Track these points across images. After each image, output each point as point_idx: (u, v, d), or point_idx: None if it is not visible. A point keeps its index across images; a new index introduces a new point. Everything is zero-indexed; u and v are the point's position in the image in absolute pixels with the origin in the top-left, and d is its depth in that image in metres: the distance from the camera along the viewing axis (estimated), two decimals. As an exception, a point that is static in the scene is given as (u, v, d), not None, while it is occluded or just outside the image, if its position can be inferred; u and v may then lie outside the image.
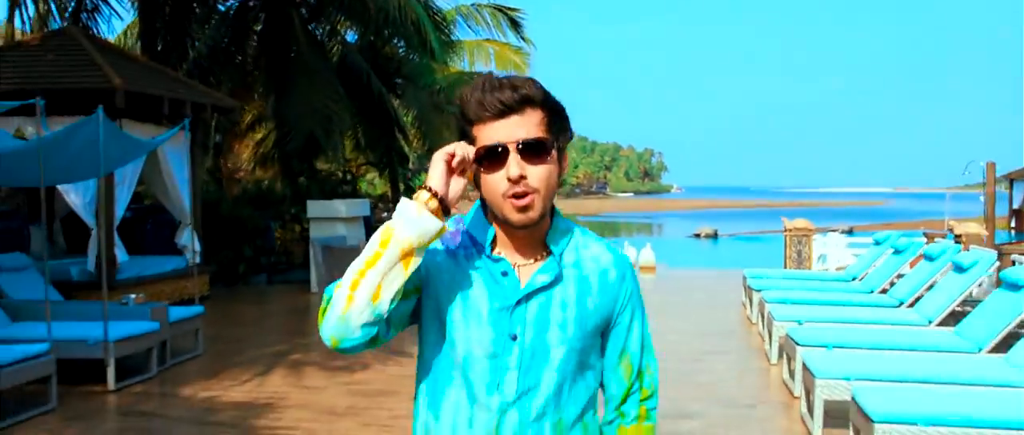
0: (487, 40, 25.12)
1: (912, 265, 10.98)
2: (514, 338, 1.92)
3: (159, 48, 17.37)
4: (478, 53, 25.35)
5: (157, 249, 13.60)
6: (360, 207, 16.31)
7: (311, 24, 19.70)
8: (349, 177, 21.46)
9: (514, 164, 1.85)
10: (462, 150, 1.86)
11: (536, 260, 1.97)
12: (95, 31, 17.61)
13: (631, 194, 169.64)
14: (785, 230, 16.90)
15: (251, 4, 19.76)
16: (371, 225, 16.57)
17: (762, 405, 7.31)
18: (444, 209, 1.87)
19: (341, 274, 1.88)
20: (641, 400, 2.09)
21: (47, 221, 13.43)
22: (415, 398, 2.06)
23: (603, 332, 2.05)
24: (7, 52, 12.68)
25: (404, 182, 21.74)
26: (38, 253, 12.01)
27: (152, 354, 8.35)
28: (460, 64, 24.45)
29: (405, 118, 21.21)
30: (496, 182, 1.88)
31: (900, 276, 11.00)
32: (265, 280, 16.47)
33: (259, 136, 22.62)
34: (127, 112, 11.49)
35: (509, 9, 23.39)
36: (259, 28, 20.09)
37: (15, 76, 11.54)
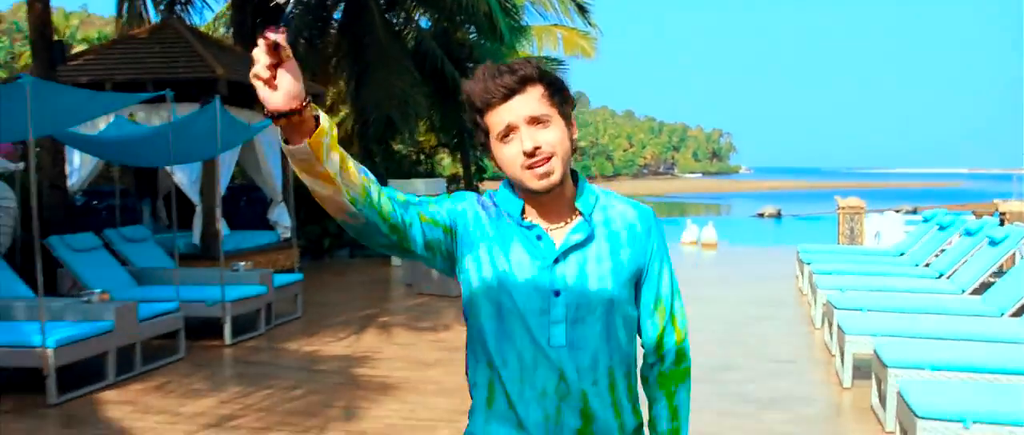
0: (555, 25, 25.88)
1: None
2: (557, 294, 2.07)
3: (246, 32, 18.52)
4: (546, 38, 26.10)
5: (251, 224, 14.76)
6: (437, 186, 17.33)
7: (388, 13, 20.74)
8: (422, 158, 22.55)
9: (527, 138, 2.01)
10: (257, 51, 1.69)
11: (566, 223, 2.13)
12: (188, 20, 18.89)
13: (699, 175, 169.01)
14: (838, 209, 17.59)
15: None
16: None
17: (801, 361, 8.19)
18: (296, 111, 1.70)
19: None
20: (676, 344, 2.25)
21: (151, 198, 14.73)
22: (472, 347, 2.19)
23: (636, 282, 2.19)
24: (119, 45, 13.92)
25: (475, 162, 22.76)
26: (147, 226, 13.24)
27: (260, 314, 9.49)
28: (529, 49, 25.23)
29: (476, 100, 22.14)
30: (513, 158, 2.03)
31: (942, 251, 11.69)
32: (348, 254, 17.65)
33: (337, 119, 23.82)
34: (227, 99, 12.60)
35: (577, -5, 24.16)
36: (338, 17, 21.24)
37: (128, 67, 12.75)
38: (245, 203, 15.33)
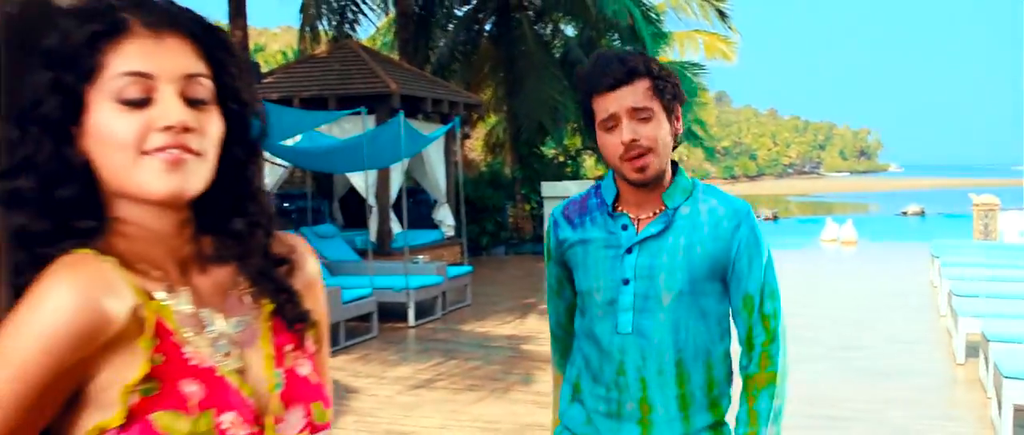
0: (696, 30, 26.67)
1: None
2: (626, 282, 2.15)
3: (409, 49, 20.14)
4: (688, 43, 26.91)
5: (417, 224, 16.28)
6: (586, 187, 18.49)
7: (536, 24, 22.06)
8: (569, 161, 23.79)
9: (626, 129, 2.09)
10: None
11: (654, 214, 2.19)
12: (354, 36, 20.68)
13: (846, 174, 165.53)
14: (973, 206, 18.05)
15: (481, 9, 22.32)
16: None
17: (922, 343, 9.07)
18: None
19: None
20: (763, 345, 2.20)
21: (328, 201, 16.39)
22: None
23: (724, 278, 2.21)
24: (303, 64, 15.63)
25: (620, 164, 23.83)
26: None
27: (437, 301, 10.88)
28: (671, 54, 26.13)
29: (621, 105, 23.12)
30: (613, 146, 2.12)
31: (1071, 245, 12.26)
32: (503, 251, 19.09)
33: (488, 125, 25.27)
34: (398, 110, 14.08)
35: (716, 0, 24.92)
36: (489, 29, 22.67)
37: (312, 84, 14.39)
38: (412, 204, 16.86)
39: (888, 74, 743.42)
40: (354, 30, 21.11)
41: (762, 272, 2.20)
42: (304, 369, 1.21)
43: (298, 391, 1.19)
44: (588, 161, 28.70)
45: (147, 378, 1.06)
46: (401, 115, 10.42)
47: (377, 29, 24.59)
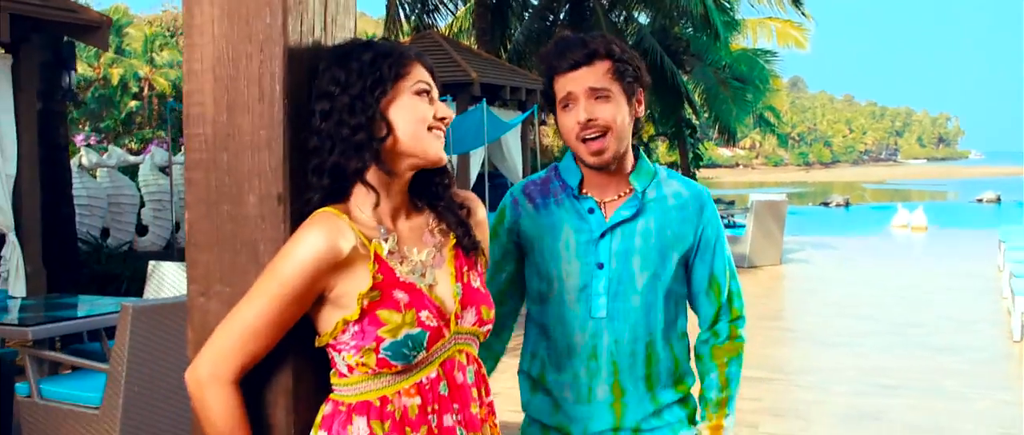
0: (769, 18, 26.83)
1: None
2: (600, 267, 2.14)
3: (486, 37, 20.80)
4: (761, 30, 27.08)
5: (495, 207, 16.88)
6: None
7: (610, 12, 22.50)
8: (641, 146, 24.23)
9: (582, 109, 2.08)
10: None
11: (620, 197, 2.18)
12: (434, 25, 21.43)
13: (924, 161, 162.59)
14: (1043, 192, 18.17)
15: (556, -2, 22.86)
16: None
17: (981, 322, 9.49)
18: None
19: None
20: (731, 320, 2.29)
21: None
22: (526, 331, 2.33)
23: (688, 262, 2.24)
24: (386, 53, 16.34)
25: (693, 150, 24.22)
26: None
27: (517, 278, 11.50)
28: (743, 42, 26.33)
29: (693, 92, 23.54)
30: (570, 126, 2.12)
31: None
32: (577, 234, 19.63)
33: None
34: (478, 98, 14.71)
35: (790, -13, 25.05)
36: (563, 18, 23.17)
37: (395, 72, 15.07)
38: (490, 188, 17.50)
39: (969, 58, 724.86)
40: (433, 18, 21.87)
41: (724, 253, 2.28)
42: (476, 282, 1.83)
43: (472, 297, 1.80)
44: (661, 147, 29.08)
45: (372, 289, 1.68)
46: (484, 103, 11.05)
47: (455, 17, 25.26)
